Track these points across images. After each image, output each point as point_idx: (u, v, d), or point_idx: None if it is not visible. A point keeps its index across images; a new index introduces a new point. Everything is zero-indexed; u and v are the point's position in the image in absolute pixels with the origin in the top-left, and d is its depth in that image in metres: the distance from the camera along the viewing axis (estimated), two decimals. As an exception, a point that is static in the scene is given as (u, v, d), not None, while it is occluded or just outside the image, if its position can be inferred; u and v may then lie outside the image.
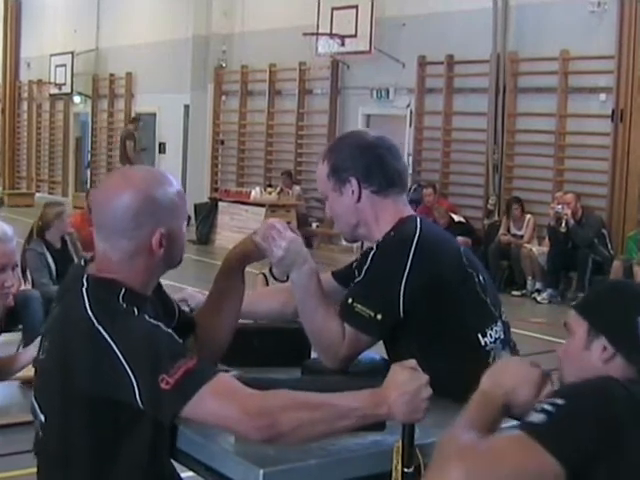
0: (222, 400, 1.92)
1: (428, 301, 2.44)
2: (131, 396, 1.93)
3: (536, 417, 1.80)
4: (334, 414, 1.94)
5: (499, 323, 2.58)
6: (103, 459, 2.07)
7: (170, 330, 2.04)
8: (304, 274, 2.43)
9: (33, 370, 2.24)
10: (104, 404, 1.99)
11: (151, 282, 2.18)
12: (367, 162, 2.58)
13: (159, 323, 2.04)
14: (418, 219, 2.55)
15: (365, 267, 2.49)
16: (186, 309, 2.59)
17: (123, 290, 2.06)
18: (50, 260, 7.01)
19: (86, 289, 2.05)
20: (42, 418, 2.14)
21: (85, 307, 2.01)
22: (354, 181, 2.57)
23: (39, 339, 2.26)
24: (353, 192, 2.57)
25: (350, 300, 2.45)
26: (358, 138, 2.67)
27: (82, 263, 2.21)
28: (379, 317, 2.41)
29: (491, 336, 2.52)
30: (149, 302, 2.15)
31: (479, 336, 2.50)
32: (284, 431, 1.90)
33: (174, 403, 1.92)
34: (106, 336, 1.96)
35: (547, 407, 1.81)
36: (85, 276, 2.10)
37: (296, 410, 1.92)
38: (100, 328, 1.97)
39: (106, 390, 1.97)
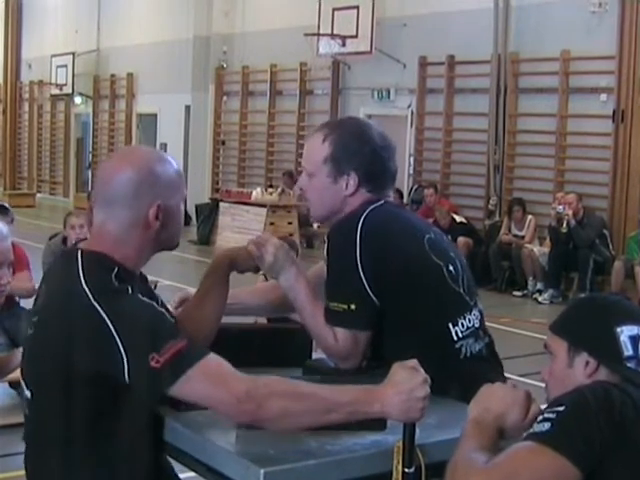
0: (210, 381, 1.96)
1: (393, 286, 2.44)
2: (119, 372, 1.96)
3: (541, 426, 1.84)
4: (322, 407, 1.96)
5: (474, 311, 2.58)
6: (95, 435, 2.07)
7: (163, 309, 2.08)
8: (291, 276, 2.50)
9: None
10: (93, 378, 2.00)
11: (142, 260, 2.20)
12: (372, 163, 2.56)
13: (152, 302, 2.07)
14: (373, 205, 2.53)
15: (326, 265, 2.53)
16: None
17: (116, 269, 2.08)
18: None
19: (81, 264, 2.07)
20: (28, 394, 2.15)
21: (81, 282, 2.03)
22: (354, 176, 2.55)
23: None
24: (347, 186, 2.55)
25: (326, 303, 2.49)
26: (365, 132, 2.58)
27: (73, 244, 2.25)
28: (353, 307, 2.43)
29: (463, 325, 2.52)
30: (138, 282, 2.18)
31: (450, 325, 2.50)
32: (268, 417, 1.95)
33: (162, 382, 1.96)
34: (102, 313, 1.97)
35: (549, 415, 1.85)
36: (79, 251, 2.12)
37: (283, 398, 1.95)
38: (96, 304, 1.99)
39: (96, 364, 1.99)
